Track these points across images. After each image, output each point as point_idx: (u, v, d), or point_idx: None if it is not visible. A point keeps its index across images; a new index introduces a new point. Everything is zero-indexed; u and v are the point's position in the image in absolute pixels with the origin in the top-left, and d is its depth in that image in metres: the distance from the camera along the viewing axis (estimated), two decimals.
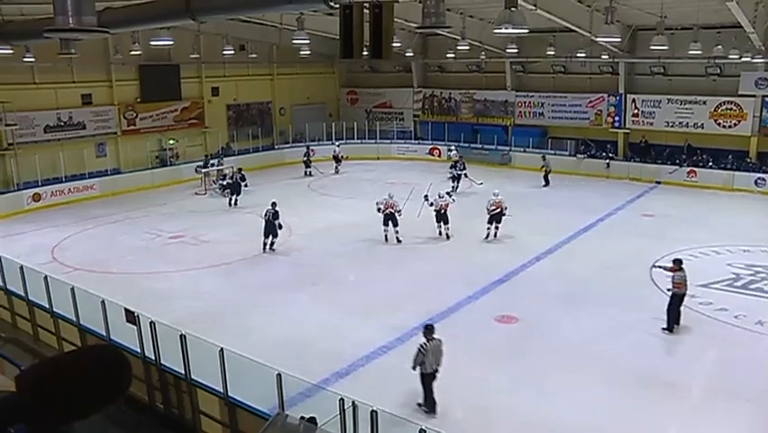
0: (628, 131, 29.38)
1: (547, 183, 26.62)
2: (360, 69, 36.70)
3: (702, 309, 13.79)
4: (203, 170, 27.04)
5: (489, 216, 18.82)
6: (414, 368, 9.74)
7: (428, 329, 9.82)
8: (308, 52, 29.22)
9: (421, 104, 35.61)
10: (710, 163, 26.92)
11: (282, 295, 14.82)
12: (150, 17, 11.28)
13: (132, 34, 23.02)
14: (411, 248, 18.48)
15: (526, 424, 9.61)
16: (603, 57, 27.54)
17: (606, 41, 22.63)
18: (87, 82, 26.36)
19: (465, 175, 25.65)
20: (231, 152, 30.35)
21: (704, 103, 27.12)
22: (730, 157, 26.71)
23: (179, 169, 28.71)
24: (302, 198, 24.70)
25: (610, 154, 29.16)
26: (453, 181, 25.17)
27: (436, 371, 9.75)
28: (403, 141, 34.84)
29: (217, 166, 27.62)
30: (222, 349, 9.06)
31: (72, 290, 11.71)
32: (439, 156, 32.60)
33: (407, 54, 30.04)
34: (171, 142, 29.39)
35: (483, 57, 30.20)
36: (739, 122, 26.62)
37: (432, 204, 19.07)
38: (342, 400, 7.77)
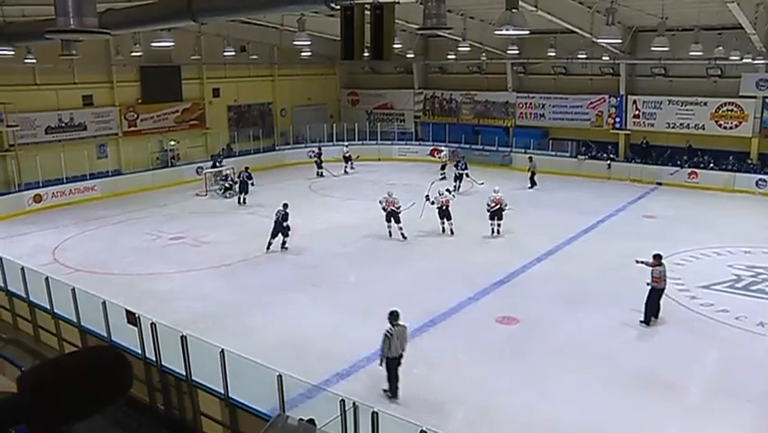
0: (629, 132, 29.38)
1: (533, 184, 26.36)
2: (361, 71, 36.72)
3: (703, 311, 13.80)
4: (212, 170, 27.04)
5: (489, 212, 19.21)
6: (382, 357, 10.00)
7: (393, 315, 10.05)
8: (309, 53, 29.23)
9: (422, 105, 35.61)
10: (711, 164, 26.89)
11: (283, 296, 14.82)
12: (152, 18, 11.29)
13: (133, 36, 23.04)
14: (412, 248, 18.51)
15: (527, 424, 9.62)
16: (604, 58, 27.57)
17: (607, 43, 22.62)
18: (88, 83, 26.39)
19: (467, 175, 25.88)
20: (232, 154, 30.35)
21: (705, 104, 27.11)
22: (731, 158, 26.68)
23: (180, 170, 28.73)
24: (303, 198, 24.68)
25: (611, 155, 29.14)
26: (455, 180, 25.46)
27: (401, 356, 10.04)
28: (404, 142, 34.83)
29: (218, 167, 27.63)
30: (222, 350, 9.05)
31: (73, 291, 11.71)
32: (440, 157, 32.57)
33: (408, 55, 30.06)
34: (172, 143, 29.40)
35: (484, 58, 30.22)
36: (740, 123, 26.60)
37: (433, 202, 19.53)
38: (343, 401, 7.77)
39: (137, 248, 18.88)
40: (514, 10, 10.44)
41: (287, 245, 18.13)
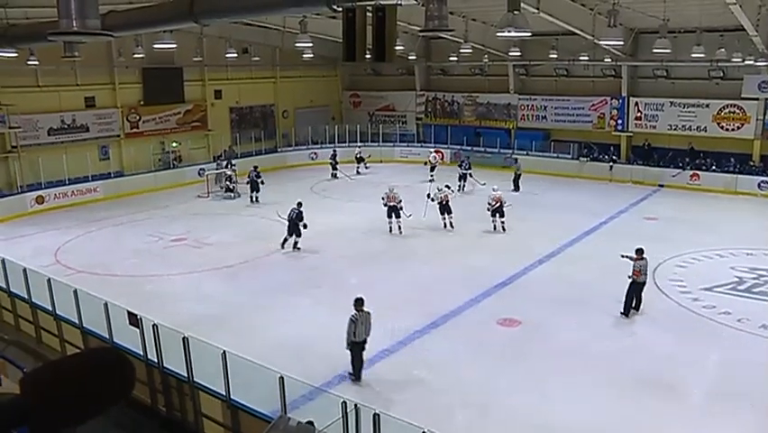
0: (631, 134, 29.36)
1: (517, 188, 25.72)
2: (362, 72, 36.75)
3: (705, 313, 13.76)
4: (227, 170, 27.04)
5: (491, 210, 19.81)
6: (348, 341, 10.50)
7: (358, 302, 10.63)
8: (311, 55, 29.20)
9: (424, 107, 35.62)
10: (713, 166, 26.85)
11: (284, 297, 14.82)
12: (154, 20, 11.28)
13: (136, 37, 23.04)
14: (414, 250, 18.58)
15: (528, 426, 9.61)
16: (606, 60, 27.54)
17: (608, 45, 22.56)
18: (91, 85, 26.44)
19: (470, 175, 26.04)
20: (233, 155, 30.36)
21: (707, 106, 27.08)
22: (733, 160, 26.62)
23: (182, 171, 28.73)
24: (304, 200, 24.57)
25: (613, 157, 29.11)
26: (459, 180, 25.77)
27: (365, 341, 10.62)
28: (405, 144, 34.83)
29: (217, 169, 27.65)
30: (224, 352, 9.04)
31: (75, 292, 11.72)
32: (442, 159, 32.53)
33: (410, 57, 30.03)
34: (174, 144, 29.44)
35: (486, 60, 30.20)
36: (742, 125, 26.57)
37: (433, 199, 20.32)
38: (344, 403, 7.77)
39: (139, 250, 18.88)
40: (516, 12, 10.44)
41: (299, 246, 18.19)
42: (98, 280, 15.55)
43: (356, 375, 10.73)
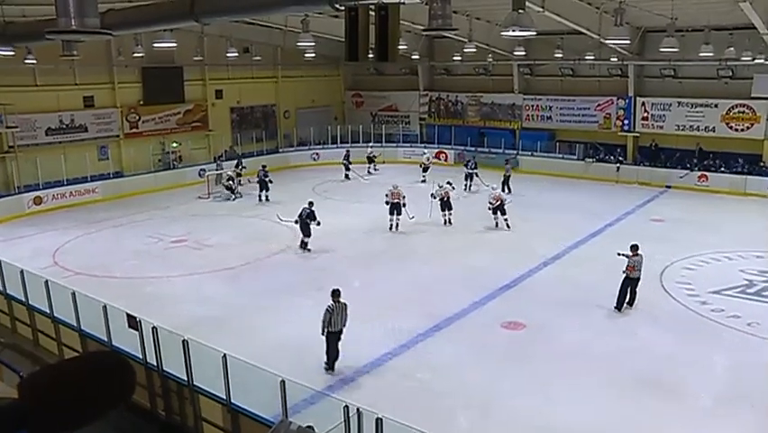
0: (638, 134, 29.11)
1: (508, 190, 24.39)
2: (365, 72, 36.57)
3: (714, 316, 13.56)
4: (236, 169, 26.93)
5: (491, 209, 20.05)
6: (323, 330, 10.73)
7: (335, 293, 10.92)
8: (313, 55, 29.04)
9: (427, 107, 35.45)
10: (722, 167, 26.58)
11: (286, 299, 14.65)
12: (154, 19, 11.19)
13: (135, 36, 22.84)
14: (417, 250, 18.47)
15: (532, 428, 9.51)
16: (612, 59, 27.31)
17: (615, 44, 22.31)
18: (90, 84, 26.25)
19: (476, 174, 25.99)
20: (234, 155, 30.20)
21: (715, 106, 26.80)
22: (741, 161, 26.34)
23: (183, 172, 28.54)
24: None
25: (620, 158, 28.84)
26: (466, 180, 25.81)
27: (341, 331, 10.89)
28: (409, 144, 34.64)
29: (218, 170, 27.48)
30: (225, 355, 8.91)
31: (73, 294, 11.57)
32: (446, 160, 32.40)
33: (413, 57, 29.82)
34: (174, 145, 29.27)
35: (490, 59, 30.01)
36: (752, 125, 26.28)
37: (435, 197, 20.69)
38: (346, 407, 7.68)
39: (138, 251, 18.71)
40: (520, 11, 10.34)
41: (308, 246, 18.07)
42: (97, 282, 15.42)
43: (330, 365, 10.94)
